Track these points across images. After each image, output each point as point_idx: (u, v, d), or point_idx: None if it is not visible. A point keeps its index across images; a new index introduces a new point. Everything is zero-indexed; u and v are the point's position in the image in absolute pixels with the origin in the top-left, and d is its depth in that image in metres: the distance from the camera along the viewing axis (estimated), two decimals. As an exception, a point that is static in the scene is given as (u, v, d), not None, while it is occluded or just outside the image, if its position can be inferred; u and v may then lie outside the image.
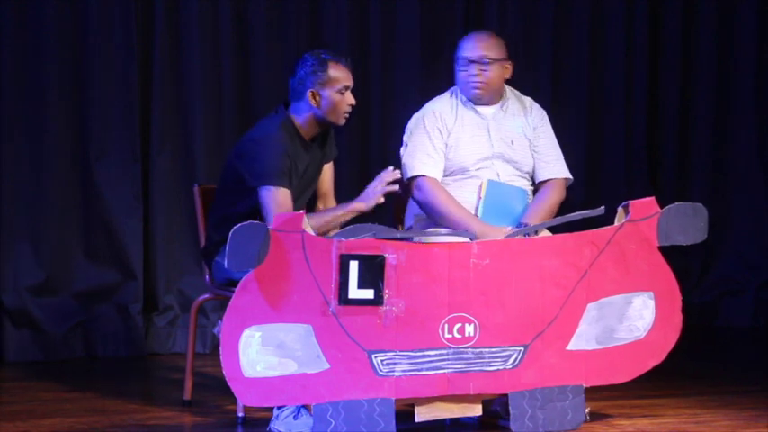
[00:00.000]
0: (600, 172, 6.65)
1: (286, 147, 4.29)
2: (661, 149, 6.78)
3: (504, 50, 4.52)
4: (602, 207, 4.24)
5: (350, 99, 4.35)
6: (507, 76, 4.55)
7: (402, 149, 4.53)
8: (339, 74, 4.32)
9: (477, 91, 4.47)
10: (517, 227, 4.34)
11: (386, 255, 4.01)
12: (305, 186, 4.44)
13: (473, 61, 4.46)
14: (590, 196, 6.45)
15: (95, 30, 5.71)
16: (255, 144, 4.31)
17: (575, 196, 6.40)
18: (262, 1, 6.00)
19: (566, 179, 4.57)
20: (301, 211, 4.02)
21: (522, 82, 6.38)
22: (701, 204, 4.29)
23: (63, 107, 5.70)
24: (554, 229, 4.36)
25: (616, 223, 4.22)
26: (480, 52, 4.47)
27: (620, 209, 4.24)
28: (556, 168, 4.55)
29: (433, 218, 4.42)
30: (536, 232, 4.33)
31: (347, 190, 6.15)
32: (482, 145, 4.48)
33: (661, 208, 4.24)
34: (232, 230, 3.87)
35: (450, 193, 4.43)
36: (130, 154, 5.78)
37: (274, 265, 3.92)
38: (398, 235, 4.24)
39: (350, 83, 4.35)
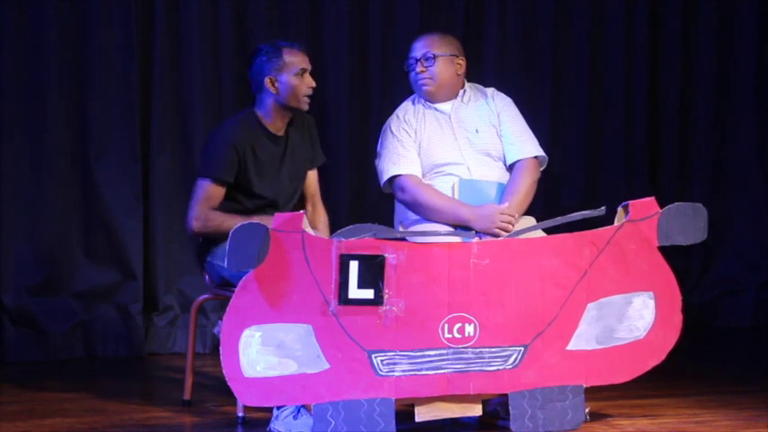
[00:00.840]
0: (600, 172, 6.64)
1: (234, 137, 4.39)
2: (661, 149, 6.78)
3: (452, 47, 4.59)
4: (603, 207, 4.24)
5: (309, 81, 4.44)
6: (460, 72, 4.60)
7: (376, 160, 4.59)
8: (294, 58, 4.42)
9: (425, 87, 4.55)
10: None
11: (386, 255, 4.01)
12: (288, 180, 4.47)
13: (418, 59, 4.56)
14: (590, 196, 6.46)
15: (95, 30, 5.71)
16: (209, 136, 4.51)
17: (575, 196, 6.44)
18: (262, 1, 6.00)
19: (536, 157, 4.55)
20: (301, 211, 4.02)
21: (523, 82, 6.41)
22: (700, 204, 4.29)
23: (63, 107, 5.70)
24: (554, 230, 4.36)
25: (616, 223, 4.22)
26: (423, 49, 4.57)
27: (620, 209, 4.24)
28: (525, 149, 4.53)
29: (421, 214, 4.44)
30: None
31: (347, 190, 6.18)
32: (447, 139, 4.51)
33: (661, 208, 4.24)
34: (232, 230, 3.88)
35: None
36: (130, 154, 5.77)
37: (274, 265, 3.92)
38: (398, 235, 4.24)
39: (307, 65, 4.44)
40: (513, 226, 4.29)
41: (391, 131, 4.55)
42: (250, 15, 6.00)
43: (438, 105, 4.57)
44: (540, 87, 6.47)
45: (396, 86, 6.19)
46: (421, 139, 4.51)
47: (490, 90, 4.65)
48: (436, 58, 4.53)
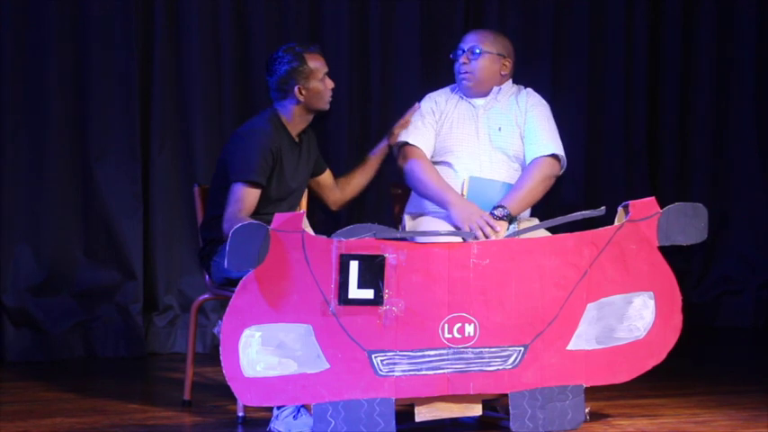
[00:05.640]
0: (600, 172, 6.64)
1: (270, 141, 4.35)
2: (661, 149, 6.78)
3: (501, 46, 4.63)
4: (603, 207, 4.24)
5: (330, 83, 4.49)
6: (504, 72, 4.64)
7: None
8: (317, 64, 4.45)
9: (464, 81, 4.60)
10: (495, 208, 4.35)
11: (386, 255, 4.01)
12: (295, 187, 4.45)
13: (464, 51, 4.59)
14: (590, 196, 6.46)
15: (95, 30, 5.71)
16: (240, 138, 4.40)
17: (575, 196, 6.43)
18: (262, 1, 6.00)
19: (554, 155, 4.53)
20: (301, 211, 4.02)
21: (523, 81, 6.40)
22: (701, 204, 4.29)
23: (63, 107, 5.70)
24: (554, 229, 4.36)
25: (616, 223, 4.22)
26: (471, 43, 4.60)
27: (620, 209, 4.24)
28: (541, 146, 4.53)
29: (411, 185, 4.52)
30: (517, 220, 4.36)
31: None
32: (469, 131, 4.56)
33: (661, 208, 4.24)
34: (232, 230, 3.87)
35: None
36: (130, 154, 5.77)
37: (274, 264, 3.92)
38: (398, 235, 4.24)
39: (326, 68, 4.48)
40: (494, 235, 4.27)
41: (420, 108, 4.62)
42: (250, 15, 6.00)
43: (473, 100, 4.61)
44: (540, 87, 6.46)
45: (396, 86, 6.20)
46: (443, 123, 4.58)
47: (526, 90, 4.68)
48: (482, 53, 4.57)
